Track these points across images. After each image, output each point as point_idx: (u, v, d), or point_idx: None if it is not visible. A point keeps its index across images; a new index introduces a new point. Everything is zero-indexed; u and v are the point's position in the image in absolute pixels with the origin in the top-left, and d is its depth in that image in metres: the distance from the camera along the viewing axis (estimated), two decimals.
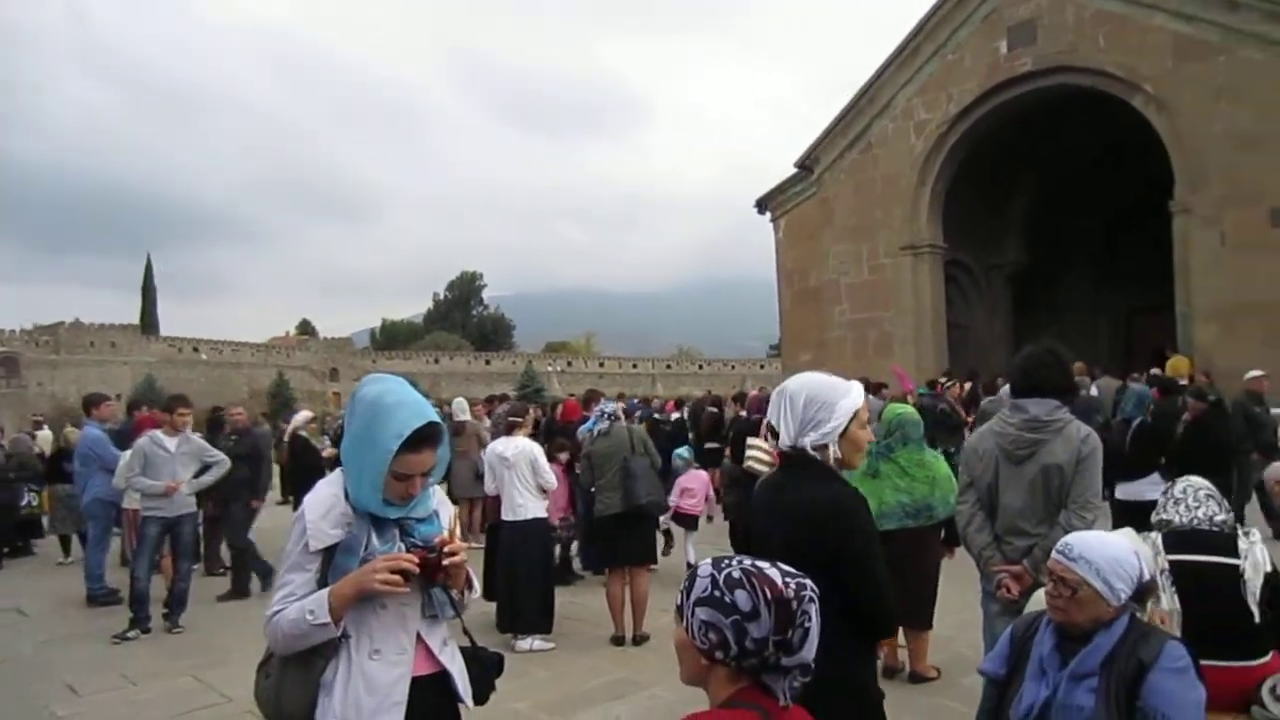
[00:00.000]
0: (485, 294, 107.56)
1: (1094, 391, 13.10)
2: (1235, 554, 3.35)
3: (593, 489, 6.77)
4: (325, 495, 2.33)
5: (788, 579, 1.65)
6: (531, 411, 7.05)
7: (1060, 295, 22.28)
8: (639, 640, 6.31)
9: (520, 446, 6.40)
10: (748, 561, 1.68)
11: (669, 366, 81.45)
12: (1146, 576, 2.19)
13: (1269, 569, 3.36)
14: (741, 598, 1.60)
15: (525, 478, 6.31)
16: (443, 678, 2.37)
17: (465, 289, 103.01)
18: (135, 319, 74.53)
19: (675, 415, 16.22)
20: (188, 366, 68.03)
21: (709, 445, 13.91)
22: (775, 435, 2.39)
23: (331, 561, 2.26)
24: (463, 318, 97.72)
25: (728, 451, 10.79)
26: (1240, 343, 13.99)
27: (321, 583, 2.24)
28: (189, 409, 7.52)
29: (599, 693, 5.33)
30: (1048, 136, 18.43)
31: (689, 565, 7.53)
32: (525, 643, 6.27)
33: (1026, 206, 20.70)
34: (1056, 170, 19.95)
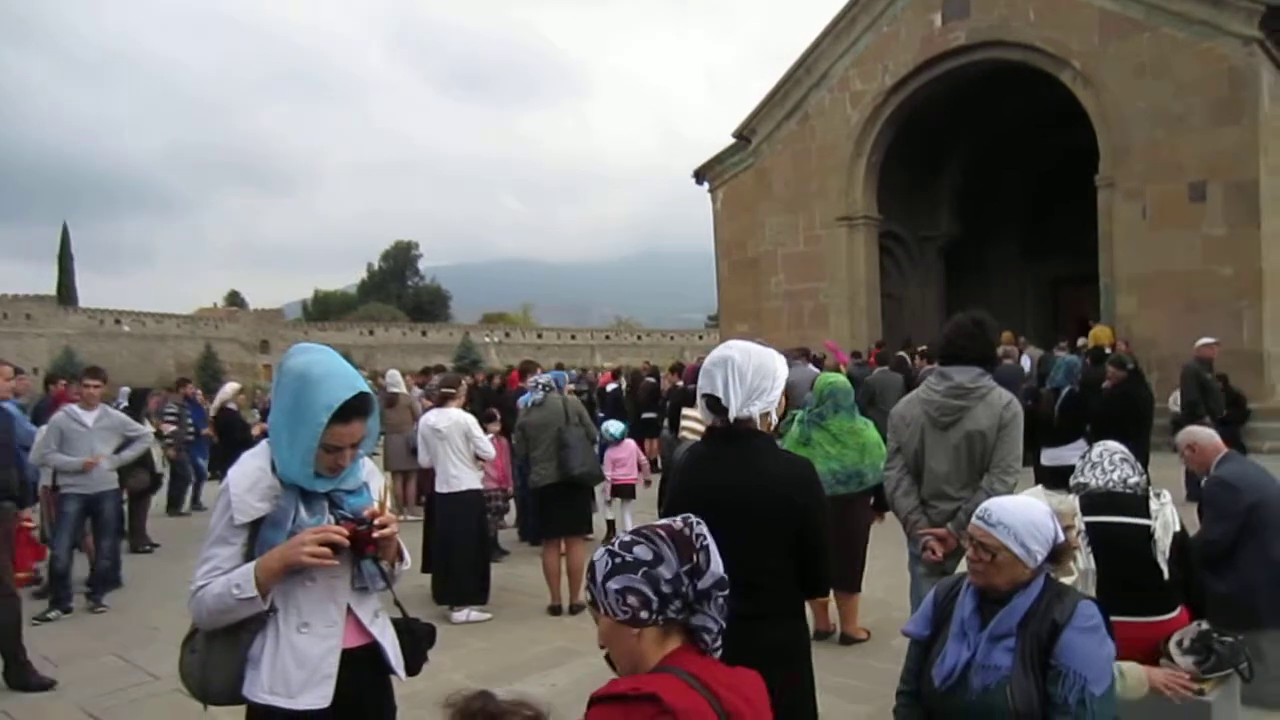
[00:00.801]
0: (421, 264, 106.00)
1: (1024, 362, 13.49)
2: (1147, 515, 3.48)
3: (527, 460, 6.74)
4: (251, 468, 2.27)
5: (667, 519, 1.74)
6: (465, 382, 6.95)
7: (990, 266, 22.79)
8: (575, 609, 6.34)
9: (453, 417, 6.34)
10: (627, 531, 1.75)
11: (607, 337, 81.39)
12: (1060, 538, 2.25)
13: (1178, 529, 3.50)
14: (641, 550, 1.67)
15: (459, 449, 6.26)
16: (374, 650, 2.35)
17: (400, 259, 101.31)
18: (52, 290, 71.67)
19: (612, 386, 16.27)
20: (109, 339, 65.74)
21: (646, 415, 13.99)
22: (714, 406, 2.38)
23: (258, 535, 2.22)
24: (398, 289, 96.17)
25: (666, 422, 10.87)
26: (1158, 312, 14.51)
27: (248, 557, 2.19)
28: (99, 381, 7.26)
29: (536, 662, 5.35)
30: (979, 110, 18.73)
31: None
32: (461, 614, 6.25)
33: (958, 179, 21.06)
34: (987, 143, 20.32)
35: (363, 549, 2.23)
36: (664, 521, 1.75)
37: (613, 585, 1.66)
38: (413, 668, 2.46)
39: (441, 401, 6.63)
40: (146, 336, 68.41)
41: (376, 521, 2.23)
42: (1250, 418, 13.20)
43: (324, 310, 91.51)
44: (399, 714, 2.50)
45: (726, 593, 1.72)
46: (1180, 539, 3.51)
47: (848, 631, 5.39)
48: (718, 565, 1.71)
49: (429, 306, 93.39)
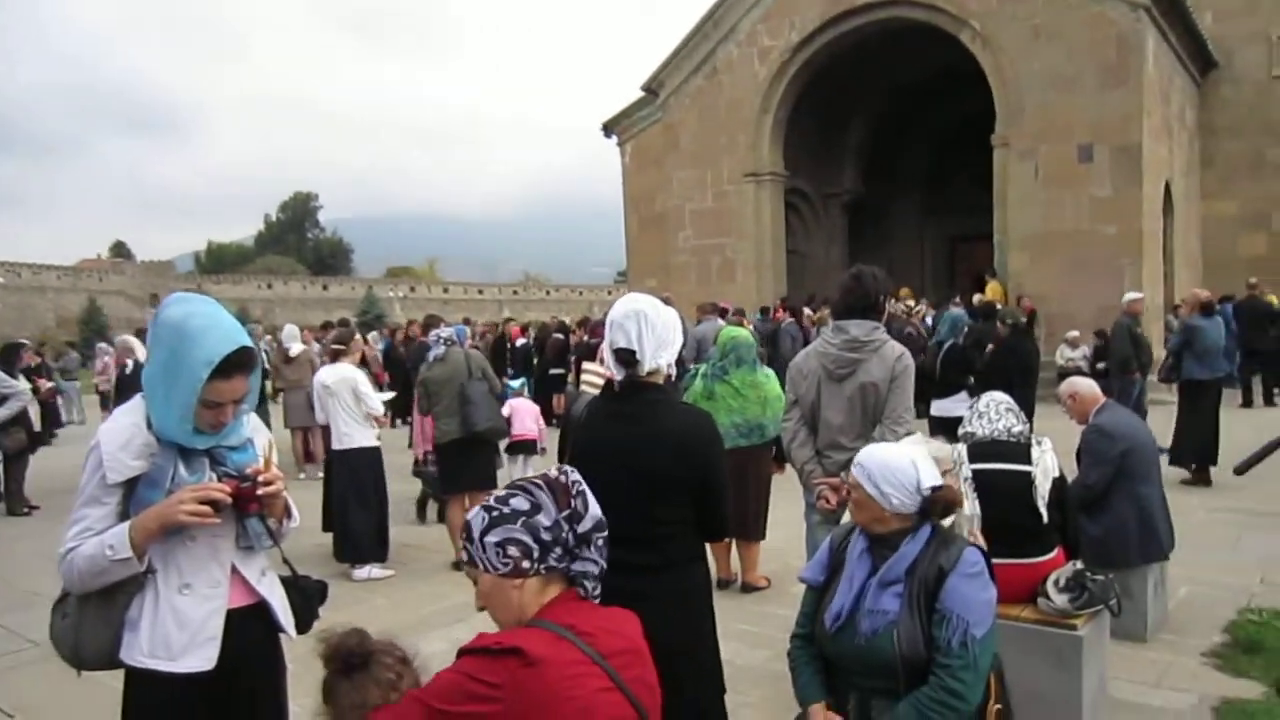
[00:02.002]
0: (321, 216, 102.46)
1: (928, 320, 13.94)
2: (1029, 462, 3.64)
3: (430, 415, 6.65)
4: (124, 424, 2.16)
5: (544, 472, 1.76)
6: (359, 337, 6.78)
7: (892, 224, 23.34)
8: None
9: (342, 374, 6.20)
10: (501, 488, 1.76)
11: (516, 293, 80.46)
12: (926, 487, 2.32)
13: (1057, 475, 3.68)
14: (518, 501, 1.68)
15: (349, 406, 6.14)
16: (261, 609, 2.28)
17: (299, 211, 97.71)
18: None
19: (521, 341, 16.15)
20: None
21: (554, 371, 13.94)
22: (626, 359, 2.37)
23: (134, 495, 2.11)
24: (297, 241, 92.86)
25: (571, 377, 10.85)
26: (1048, 269, 15.13)
27: (123, 517, 2.09)
28: None
29: (440, 617, 5.32)
30: (882, 68, 19.00)
31: None
32: (362, 571, 6.17)
33: (863, 137, 21.41)
34: (891, 103, 20.68)
35: (246, 506, 2.14)
36: (537, 474, 1.76)
37: (491, 539, 1.66)
38: (304, 626, 2.40)
39: (334, 357, 6.48)
40: (22, 289, 64.43)
41: (261, 479, 2.15)
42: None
43: (219, 263, 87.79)
44: (295, 674, 2.44)
45: (605, 534, 1.74)
46: (1059, 484, 3.69)
47: (749, 580, 5.52)
48: (595, 509, 1.73)
49: (330, 260, 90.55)
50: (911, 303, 13.71)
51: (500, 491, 1.73)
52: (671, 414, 2.37)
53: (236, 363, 2.11)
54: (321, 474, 8.57)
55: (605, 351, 2.42)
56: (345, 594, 5.90)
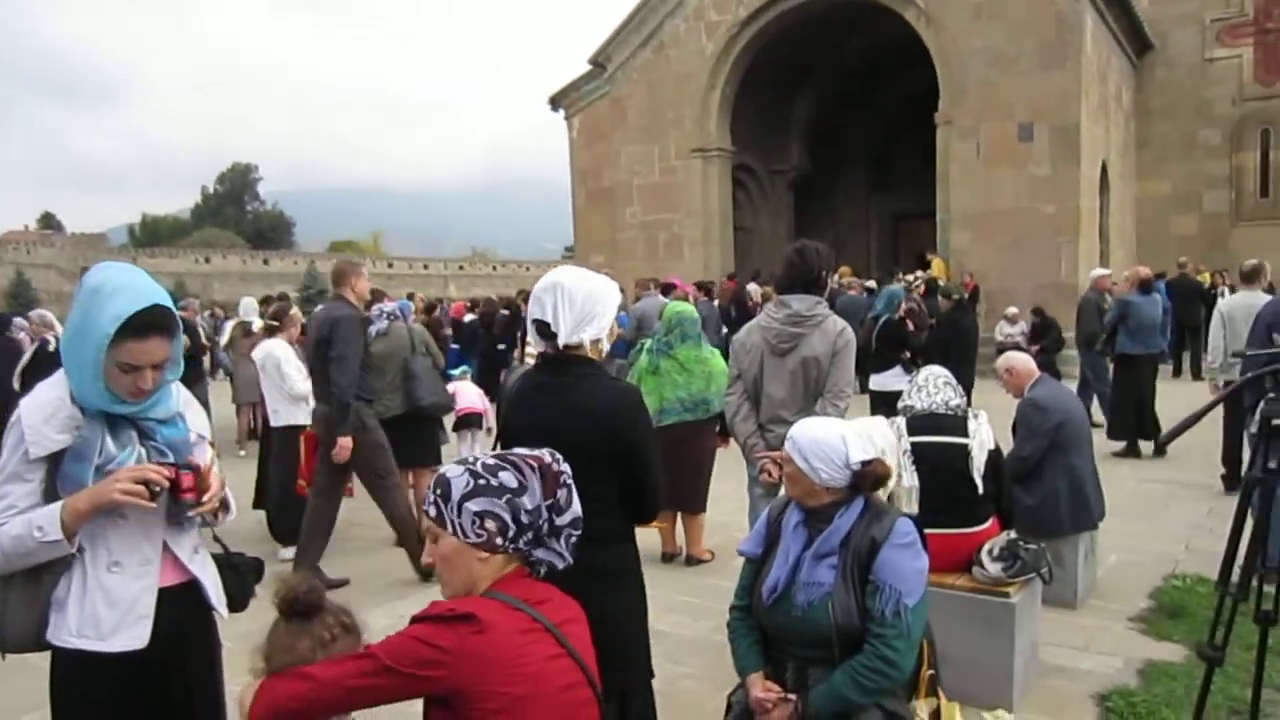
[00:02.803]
0: (261, 189, 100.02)
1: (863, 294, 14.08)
2: (966, 434, 3.72)
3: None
4: (48, 397, 2.07)
5: (536, 450, 1.75)
6: (295, 312, 6.64)
7: (837, 201, 23.53)
8: (423, 540, 6.27)
9: (268, 350, 6.08)
10: (488, 454, 1.73)
11: (462, 268, 79.65)
12: (855, 462, 2.35)
13: (992, 447, 3.76)
14: (507, 477, 1.67)
15: (276, 383, 6.04)
16: (193, 587, 2.22)
17: (238, 183, 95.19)
18: None
19: (469, 318, 15.98)
20: None
21: (501, 347, 13.84)
22: (543, 331, 2.33)
23: (59, 470, 2.04)
24: (236, 214, 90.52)
25: (516, 352, 10.78)
26: (988, 246, 15.40)
27: (48, 494, 2.02)
28: None
29: (381, 594, 5.27)
30: (829, 45, 19.07)
31: None
32: (286, 552, 6.08)
33: (809, 114, 21.49)
34: (838, 80, 20.77)
35: (181, 494, 2.08)
36: (530, 452, 1.74)
37: (472, 506, 1.64)
38: (239, 604, 2.35)
39: (268, 334, 6.37)
40: None
41: (206, 494, 2.10)
42: (1064, 346, 14.31)
43: (154, 236, 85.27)
44: (234, 652, 2.39)
45: (579, 532, 1.74)
46: (994, 456, 3.77)
47: (693, 553, 5.56)
48: (576, 504, 1.73)
49: (271, 233, 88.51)
50: (911, 277, 13.71)
51: (489, 459, 1.71)
52: (596, 388, 2.32)
53: (151, 323, 2.02)
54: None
55: (529, 323, 2.39)
56: (285, 570, 5.82)
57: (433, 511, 1.69)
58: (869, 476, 2.35)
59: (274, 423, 6.16)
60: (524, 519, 1.66)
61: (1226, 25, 18.16)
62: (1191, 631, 4.20)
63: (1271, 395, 2.73)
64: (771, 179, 21.60)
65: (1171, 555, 5.44)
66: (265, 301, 14.43)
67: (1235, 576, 2.76)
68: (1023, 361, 4.79)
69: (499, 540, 1.65)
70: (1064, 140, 14.77)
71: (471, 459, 1.74)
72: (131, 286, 2.04)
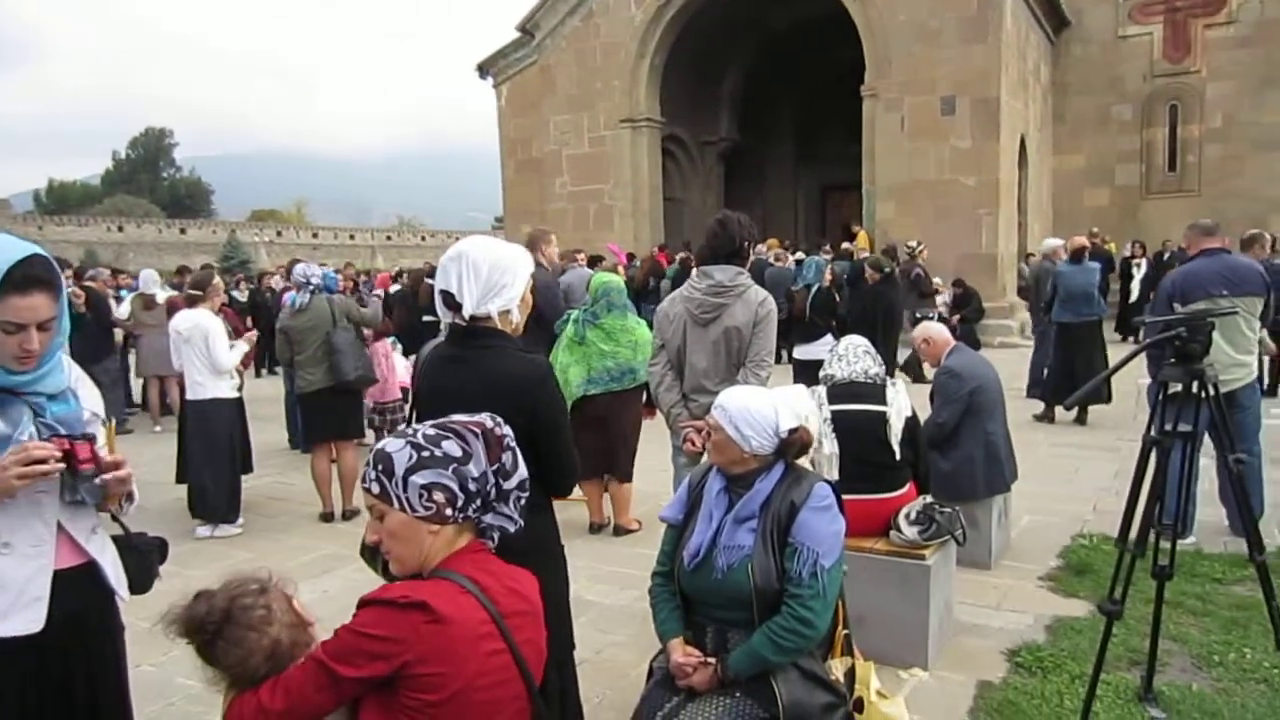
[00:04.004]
0: (177, 154, 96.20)
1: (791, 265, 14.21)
2: (884, 402, 3.80)
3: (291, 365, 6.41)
4: None
5: (475, 416, 1.73)
6: (217, 282, 6.43)
7: (766, 173, 23.69)
8: (349, 515, 6.19)
9: (197, 321, 5.89)
10: (426, 423, 1.70)
11: (389, 238, 78.03)
12: (784, 430, 2.39)
13: (909, 414, 3.85)
14: (450, 446, 1.65)
15: (202, 355, 5.85)
16: (92, 569, 2.14)
17: (152, 148, 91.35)
18: None
19: (395, 289, 15.69)
20: None
21: (428, 319, 13.63)
22: (449, 302, 2.29)
23: None
24: (151, 181, 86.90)
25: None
26: (912, 218, 15.68)
27: None
28: None
29: (305, 570, 5.18)
30: (758, 17, 19.09)
31: None
32: (204, 530, 5.94)
33: (738, 85, 21.53)
34: (766, 52, 20.82)
35: (78, 465, 1.99)
36: (471, 418, 1.71)
37: (417, 480, 1.61)
38: (141, 586, 2.27)
39: (190, 303, 6.15)
40: None
41: (110, 469, 2.01)
42: (984, 315, 14.72)
43: (61, 202, 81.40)
44: (140, 635, 2.33)
45: (527, 494, 1.73)
46: (911, 423, 3.86)
47: (620, 523, 5.60)
48: (523, 467, 1.71)
49: (188, 201, 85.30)
50: (914, 243, 13.76)
51: (429, 430, 1.67)
52: (501, 359, 2.28)
53: (33, 276, 1.92)
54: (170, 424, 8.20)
55: (436, 293, 2.34)
56: (204, 549, 5.69)
57: (375, 489, 1.65)
58: (795, 444, 2.39)
59: (195, 395, 5.94)
60: (471, 487, 1.65)
61: (1138, 3, 18.70)
62: (1097, 588, 4.39)
63: (1171, 361, 2.85)
64: (701, 150, 21.63)
65: (1080, 516, 5.66)
66: (180, 272, 13.97)
67: (1134, 534, 2.89)
68: (939, 331, 4.92)
69: (449, 511, 1.63)
70: (985, 114, 15.08)
71: (411, 430, 1.70)
72: (3, 243, 1.94)
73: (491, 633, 1.60)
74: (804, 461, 2.56)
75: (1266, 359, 7.47)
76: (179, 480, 6.40)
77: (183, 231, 69.34)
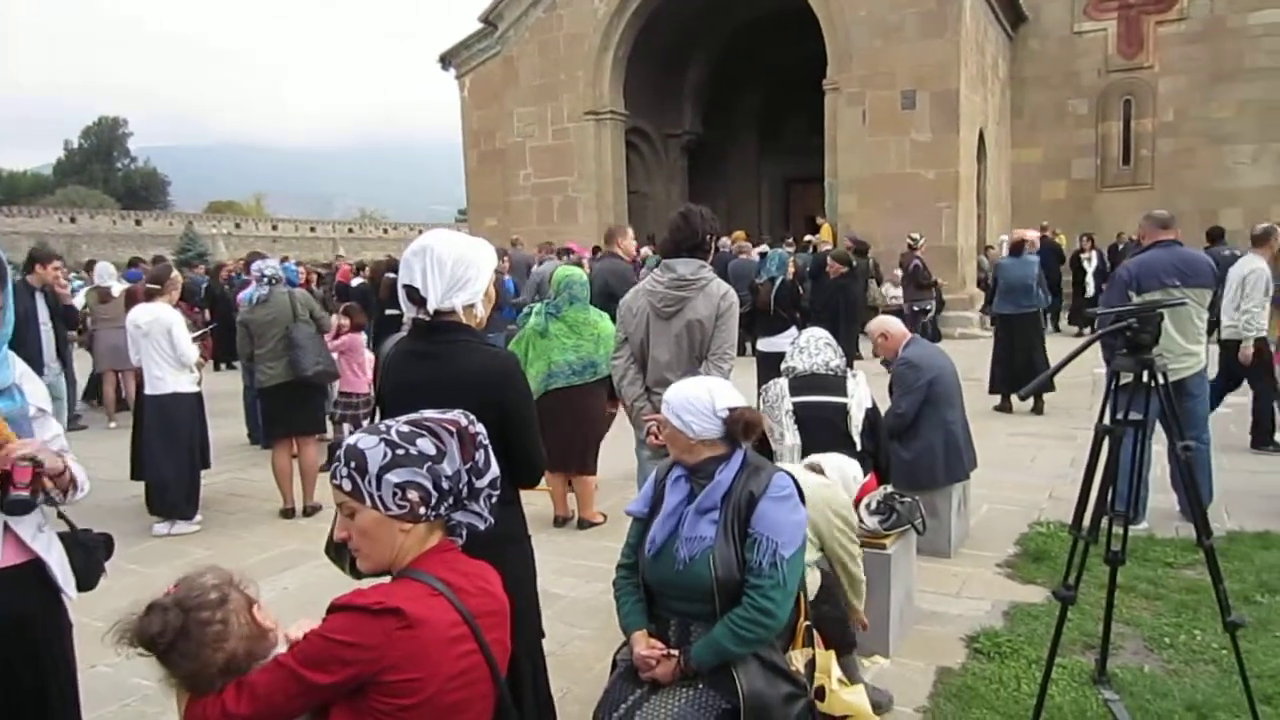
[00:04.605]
0: (131, 145, 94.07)
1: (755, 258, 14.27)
2: (845, 394, 3.84)
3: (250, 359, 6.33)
4: None
5: (447, 413, 1.71)
6: (175, 275, 6.33)
7: (730, 166, 23.75)
8: (310, 511, 6.13)
9: (155, 314, 5.79)
10: (399, 419, 1.68)
11: (351, 231, 77.09)
12: (721, 409, 2.41)
13: (869, 405, 3.90)
14: (425, 444, 1.64)
15: (162, 348, 5.75)
16: (38, 567, 2.10)
17: (105, 138, 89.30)
18: None
19: (357, 281, 15.51)
20: None
21: (390, 312, 13.50)
22: (413, 297, 2.28)
23: None
24: (104, 171, 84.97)
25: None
26: (874, 211, 15.82)
27: None
28: None
29: (264, 567, 5.13)
30: (721, 10, 19.09)
31: None
32: (162, 527, 5.86)
33: (701, 78, 21.55)
34: (730, 45, 20.86)
35: (9, 488, 1.93)
36: (444, 415, 1.70)
37: (392, 478, 1.60)
38: (88, 583, 2.24)
39: (148, 297, 6.04)
40: None
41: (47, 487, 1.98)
42: (945, 306, 14.91)
43: (11, 192, 79.38)
44: (98, 631, 2.28)
45: (499, 491, 1.72)
46: (871, 414, 3.91)
47: (585, 516, 5.60)
48: (495, 465, 1.71)
49: (143, 192, 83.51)
50: (917, 235, 13.75)
51: (403, 426, 1.65)
52: (468, 353, 2.27)
53: None
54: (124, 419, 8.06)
55: (399, 288, 2.32)
56: (162, 546, 5.61)
57: (347, 485, 1.63)
58: (739, 422, 2.40)
59: (154, 390, 5.82)
60: (445, 485, 1.63)
61: (1093, 0, 19.00)
62: (1053, 574, 4.47)
63: (1122, 352, 2.90)
64: (665, 143, 21.62)
65: (1037, 504, 5.77)
66: (134, 264, 13.71)
67: (1087, 521, 2.95)
68: (896, 325, 4.98)
69: (422, 510, 1.62)
70: (944, 108, 15.23)
71: (384, 426, 1.68)
72: None
73: (464, 634, 1.59)
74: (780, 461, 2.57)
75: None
76: (134, 477, 6.30)
77: (138, 223, 67.96)
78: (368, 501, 1.61)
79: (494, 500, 1.73)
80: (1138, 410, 2.90)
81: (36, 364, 7.08)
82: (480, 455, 1.69)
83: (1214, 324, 5.62)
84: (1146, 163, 18.91)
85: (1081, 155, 19.45)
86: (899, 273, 14.31)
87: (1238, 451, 7.02)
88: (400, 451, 1.61)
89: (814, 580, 2.97)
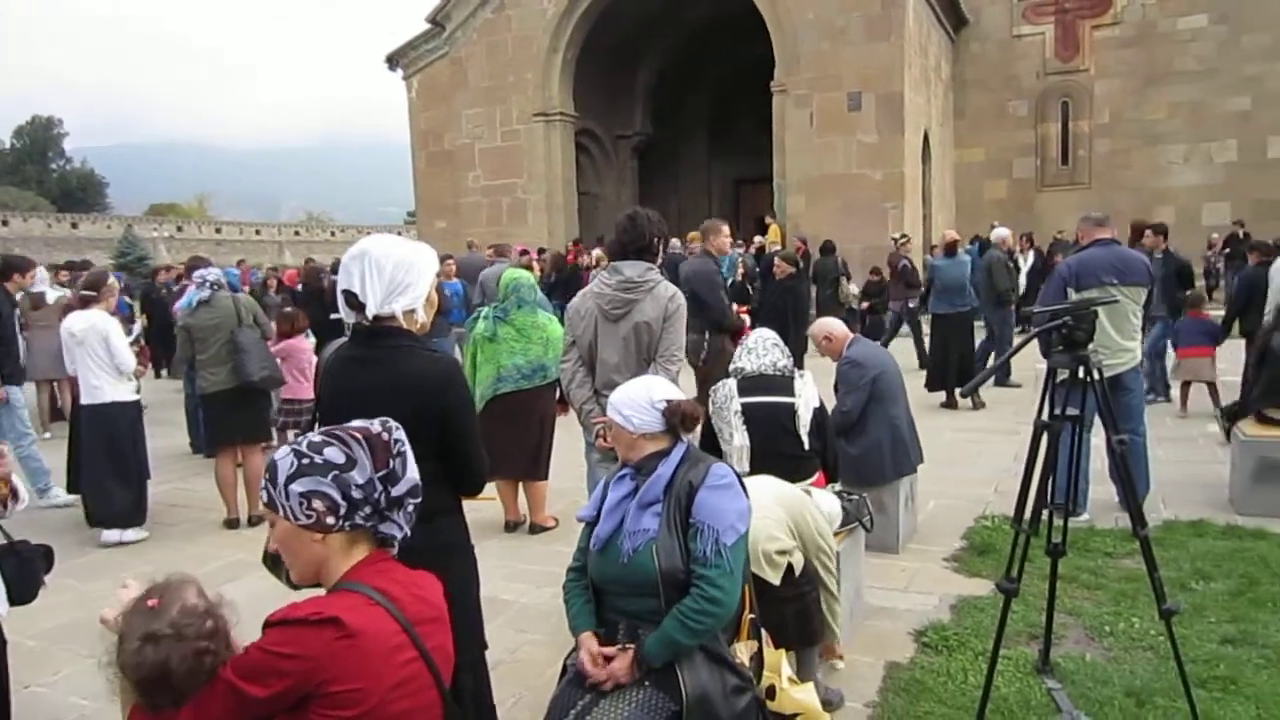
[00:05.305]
0: (67, 145, 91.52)
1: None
2: (793, 394, 3.88)
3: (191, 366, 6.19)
4: None
5: (365, 422, 1.69)
6: (112, 281, 6.17)
7: (680, 167, 23.87)
8: (255, 521, 6.01)
9: (91, 321, 5.64)
10: (315, 431, 1.67)
11: (298, 233, 75.82)
12: (659, 400, 2.44)
13: (817, 405, 3.94)
14: (332, 453, 1.61)
15: (99, 356, 5.61)
16: None
17: (39, 137, 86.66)
18: None
19: (300, 287, 15.27)
20: None
21: (335, 316, 13.32)
22: (352, 302, 2.25)
23: None
24: (38, 172, 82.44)
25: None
26: (822, 211, 16.01)
27: None
28: None
29: (210, 578, 4.87)
30: (670, 13, 19.17)
31: None
32: (112, 535, 5.71)
33: (651, 79, 21.61)
34: (680, 48, 20.96)
35: None
36: (361, 424, 1.68)
37: (296, 488, 1.58)
38: (23, 595, 2.18)
39: (84, 304, 5.88)
40: None
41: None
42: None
43: None
44: (35, 653, 2.22)
45: (419, 500, 1.70)
46: (819, 414, 3.95)
47: (536, 521, 5.57)
48: (413, 472, 1.68)
49: (80, 194, 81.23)
50: (899, 234, 13.70)
51: (315, 436, 1.64)
52: (409, 359, 2.24)
53: None
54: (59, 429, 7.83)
55: (338, 293, 2.29)
56: (103, 560, 5.46)
57: (265, 498, 1.63)
58: (676, 413, 2.43)
59: (92, 400, 5.68)
60: (355, 494, 1.61)
61: (1031, 4, 19.46)
62: (998, 567, 4.54)
63: (1058, 349, 2.97)
64: (615, 145, 21.65)
65: (983, 498, 5.87)
66: (69, 266, 13.33)
67: (1028, 515, 3.01)
68: (839, 327, 5.05)
69: (330, 520, 1.60)
70: (889, 109, 15.47)
71: (303, 438, 1.67)
72: None
73: (404, 643, 1.58)
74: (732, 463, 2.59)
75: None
76: (71, 490, 6.12)
77: (74, 226, 66.03)
78: (280, 512, 1.61)
79: (412, 509, 1.70)
80: (1075, 405, 2.97)
81: (19, 374, 7.00)
82: (397, 463, 1.66)
83: (1147, 321, 5.79)
84: (1084, 163, 19.41)
85: (1022, 155, 19.90)
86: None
87: (1174, 442, 7.23)
88: (306, 461, 1.60)
89: (835, 511, 3.13)
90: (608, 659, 2.34)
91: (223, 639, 1.59)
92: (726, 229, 6.95)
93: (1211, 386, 8.15)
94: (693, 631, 2.26)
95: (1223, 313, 8.59)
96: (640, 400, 2.43)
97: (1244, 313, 7.84)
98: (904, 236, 13.58)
